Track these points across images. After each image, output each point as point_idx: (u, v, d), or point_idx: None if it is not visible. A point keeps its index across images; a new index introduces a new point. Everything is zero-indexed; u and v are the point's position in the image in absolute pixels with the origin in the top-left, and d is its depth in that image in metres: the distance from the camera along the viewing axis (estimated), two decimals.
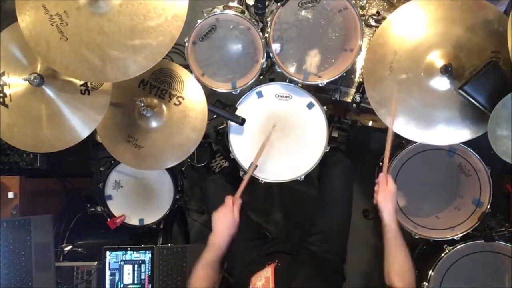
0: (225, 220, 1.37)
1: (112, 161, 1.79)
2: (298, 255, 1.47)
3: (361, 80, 1.72)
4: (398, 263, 1.31)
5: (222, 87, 1.62)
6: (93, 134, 1.44)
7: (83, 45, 1.22)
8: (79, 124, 1.36)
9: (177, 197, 1.80)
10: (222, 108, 1.64)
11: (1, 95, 1.36)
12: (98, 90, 1.36)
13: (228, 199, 1.42)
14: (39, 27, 1.21)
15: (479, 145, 1.57)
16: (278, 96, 1.67)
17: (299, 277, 1.31)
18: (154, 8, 1.21)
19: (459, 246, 1.62)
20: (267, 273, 1.33)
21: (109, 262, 1.70)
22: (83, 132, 1.36)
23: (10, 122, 1.37)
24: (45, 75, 1.32)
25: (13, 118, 1.37)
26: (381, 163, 1.79)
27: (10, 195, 1.72)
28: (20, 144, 1.39)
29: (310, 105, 1.66)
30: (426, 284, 1.61)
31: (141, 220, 1.79)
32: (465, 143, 1.55)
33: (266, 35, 1.55)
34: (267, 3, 1.58)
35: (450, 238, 1.64)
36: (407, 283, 1.28)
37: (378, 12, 1.70)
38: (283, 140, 1.65)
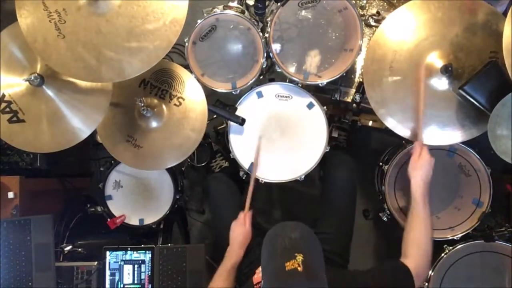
0: (238, 231, 1.48)
1: (112, 161, 1.79)
2: None
3: (361, 80, 1.72)
4: (414, 233, 1.30)
5: (222, 87, 1.62)
6: (93, 134, 1.44)
7: (79, 44, 1.22)
8: (79, 124, 1.36)
9: (177, 197, 1.80)
10: (222, 108, 1.64)
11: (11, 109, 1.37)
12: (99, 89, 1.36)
13: (240, 214, 1.51)
14: (37, 23, 1.21)
15: (479, 145, 1.57)
16: (278, 96, 1.67)
17: None
18: (153, 12, 1.21)
19: (459, 246, 1.62)
20: None
21: (109, 262, 1.70)
22: (83, 132, 1.37)
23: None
24: (45, 75, 1.32)
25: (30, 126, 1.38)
26: (381, 163, 1.79)
27: (10, 195, 1.72)
28: (20, 144, 1.39)
29: (310, 105, 1.66)
30: (426, 284, 1.61)
31: (141, 220, 1.79)
32: (465, 143, 1.55)
33: (266, 35, 1.55)
34: (267, 3, 1.58)
35: (450, 238, 1.63)
36: (421, 255, 1.26)
37: (378, 12, 1.70)
38: (283, 140, 1.65)
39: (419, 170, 1.37)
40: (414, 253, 1.27)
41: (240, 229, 1.48)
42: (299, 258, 0.99)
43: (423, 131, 1.45)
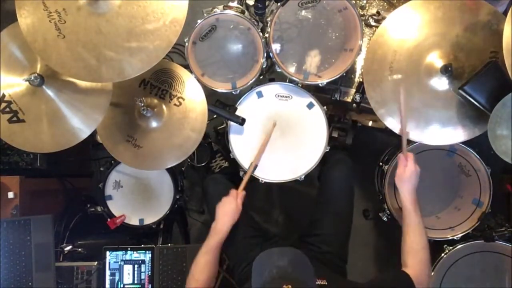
0: (228, 207, 1.47)
1: (112, 161, 1.79)
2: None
3: (361, 80, 1.72)
4: (409, 241, 1.33)
5: (222, 87, 1.62)
6: (93, 134, 1.44)
7: (79, 44, 1.22)
8: (79, 124, 1.36)
9: (177, 197, 1.80)
10: (222, 108, 1.64)
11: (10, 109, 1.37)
12: (99, 89, 1.36)
13: (233, 191, 1.50)
14: (37, 23, 1.21)
15: (479, 145, 1.57)
16: (278, 96, 1.67)
17: None
18: (153, 12, 1.21)
19: (459, 246, 1.62)
20: None
21: (109, 262, 1.70)
22: (83, 132, 1.36)
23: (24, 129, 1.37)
24: (45, 75, 1.32)
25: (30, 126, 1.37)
26: (381, 163, 1.79)
27: (10, 195, 1.72)
28: (20, 144, 1.39)
29: (310, 105, 1.66)
30: None
31: (141, 220, 1.79)
32: (465, 143, 1.55)
33: (266, 35, 1.55)
34: (267, 3, 1.58)
35: (450, 238, 1.64)
36: (418, 262, 1.29)
37: (378, 12, 1.70)
38: (283, 140, 1.65)
39: (407, 181, 1.40)
40: (412, 262, 1.30)
41: (232, 205, 1.46)
42: None
43: (406, 144, 1.47)
